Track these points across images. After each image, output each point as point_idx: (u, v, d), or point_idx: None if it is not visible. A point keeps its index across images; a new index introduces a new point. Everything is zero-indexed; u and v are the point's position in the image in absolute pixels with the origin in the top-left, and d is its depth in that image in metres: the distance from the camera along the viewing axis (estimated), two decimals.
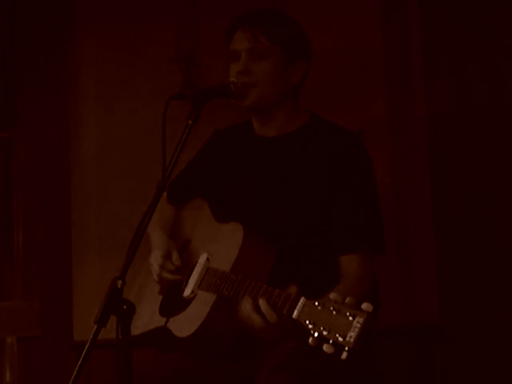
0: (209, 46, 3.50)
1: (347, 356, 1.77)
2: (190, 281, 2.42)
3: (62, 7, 3.61)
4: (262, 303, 2.11)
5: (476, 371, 3.18)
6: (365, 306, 1.80)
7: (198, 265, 2.44)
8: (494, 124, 3.27)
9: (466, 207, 3.26)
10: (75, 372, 1.91)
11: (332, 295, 1.86)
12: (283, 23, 2.53)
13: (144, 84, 3.54)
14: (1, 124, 3.67)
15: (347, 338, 1.78)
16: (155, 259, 2.52)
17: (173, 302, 2.46)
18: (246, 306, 2.16)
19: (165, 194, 2.77)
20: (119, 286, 1.95)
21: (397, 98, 3.36)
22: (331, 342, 1.79)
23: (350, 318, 1.79)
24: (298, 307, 1.94)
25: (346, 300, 1.83)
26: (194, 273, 2.43)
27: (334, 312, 1.83)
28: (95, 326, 1.92)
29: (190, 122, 2.18)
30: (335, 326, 1.81)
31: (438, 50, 3.34)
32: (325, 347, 1.80)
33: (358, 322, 1.78)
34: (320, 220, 2.42)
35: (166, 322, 2.41)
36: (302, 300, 1.94)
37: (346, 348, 1.77)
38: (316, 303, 1.88)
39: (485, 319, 3.19)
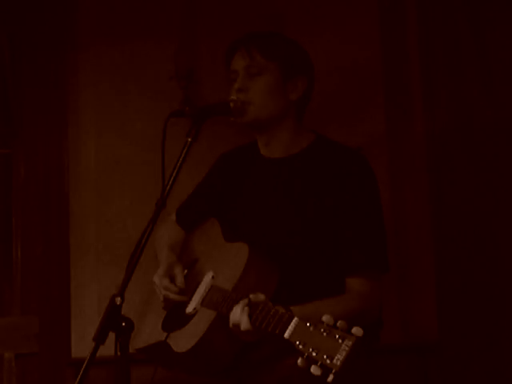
0: (208, 63, 3.51)
1: (333, 379, 1.76)
2: (193, 297, 2.43)
3: (61, 24, 3.62)
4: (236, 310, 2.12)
5: None
6: (355, 330, 1.80)
7: (203, 282, 2.45)
8: (493, 140, 3.28)
9: (465, 224, 3.26)
10: None
11: (324, 317, 1.86)
12: (279, 41, 2.55)
13: (143, 101, 3.55)
14: (1, 140, 3.68)
15: (334, 361, 1.77)
16: (160, 280, 2.51)
17: (175, 318, 2.45)
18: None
19: (174, 216, 2.78)
20: (118, 303, 1.95)
21: (396, 116, 3.37)
22: (319, 363, 1.79)
23: (339, 341, 1.79)
24: (289, 327, 1.94)
25: (338, 323, 1.83)
26: (199, 290, 2.43)
27: (325, 334, 1.82)
28: (94, 343, 1.92)
29: (190, 139, 2.19)
30: (324, 347, 1.80)
31: (436, 67, 3.35)
32: (312, 368, 1.79)
33: (346, 346, 1.77)
34: (326, 241, 2.42)
35: (167, 337, 2.40)
36: (295, 320, 1.94)
37: (333, 371, 1.77)
38: (308, 324, 1.88)
39: (484, 336, 3.19)
